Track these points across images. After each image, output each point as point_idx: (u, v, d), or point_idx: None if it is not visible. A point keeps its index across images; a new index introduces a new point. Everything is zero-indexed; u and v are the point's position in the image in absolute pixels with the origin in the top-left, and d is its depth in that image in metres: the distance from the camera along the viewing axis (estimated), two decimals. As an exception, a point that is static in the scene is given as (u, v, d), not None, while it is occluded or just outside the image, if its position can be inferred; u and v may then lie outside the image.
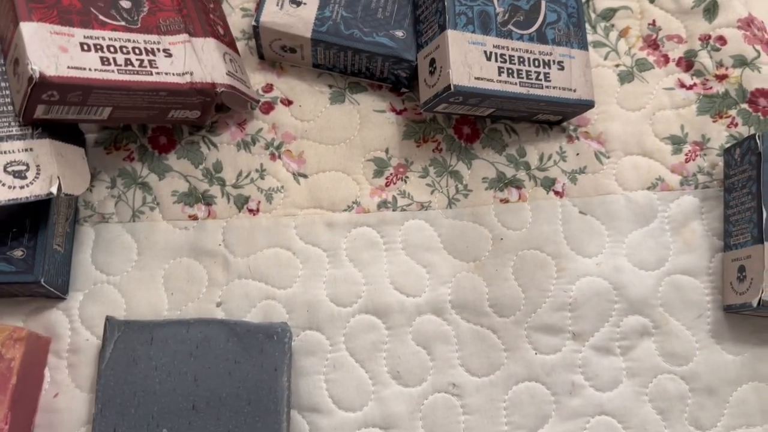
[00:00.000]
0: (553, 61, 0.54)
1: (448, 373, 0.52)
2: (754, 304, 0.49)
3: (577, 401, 0.51)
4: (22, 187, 0.45)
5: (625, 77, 0.59)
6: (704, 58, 0.59)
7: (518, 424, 0.51)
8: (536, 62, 0.53)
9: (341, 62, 0.56)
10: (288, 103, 0.57)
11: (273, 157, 0.56)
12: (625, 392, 0.52)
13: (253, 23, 0.54)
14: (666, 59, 0.60)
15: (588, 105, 0.55)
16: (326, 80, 0.58)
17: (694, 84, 0.59)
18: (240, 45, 0.59)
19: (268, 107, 0.57)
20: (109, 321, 0.48)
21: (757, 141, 0.52)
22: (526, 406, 0.51)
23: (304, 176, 0.56)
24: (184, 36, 0.51)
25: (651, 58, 0.60)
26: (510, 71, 0.52)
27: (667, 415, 0.51)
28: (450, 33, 0.50)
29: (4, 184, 0.45)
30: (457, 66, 0.50)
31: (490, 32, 0.52)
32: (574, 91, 0.54)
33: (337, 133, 0.57)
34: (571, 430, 0.51)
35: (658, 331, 0.53)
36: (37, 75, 0.43)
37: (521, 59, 0.52)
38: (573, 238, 0.55)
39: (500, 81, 0.51)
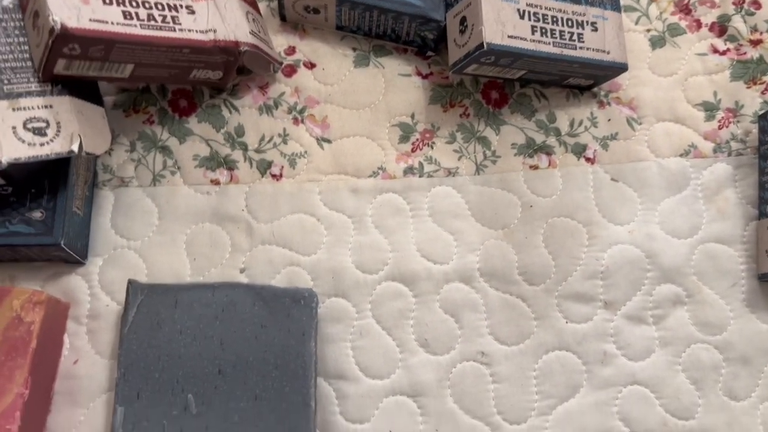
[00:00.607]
0: (587, 21, 0.52)
1: (477, 342, 0.50)
2: (793, 271, 0.48)
3: (608, 371, 0.50)
4: (42, 145, 0.44)
5: (657, 42, 0.58)
6: (738, 23, 0.58)
7: (549, 393, 0.49)
8: (570, 22, 0.51)
9: (365, 23, 0.55)
10: (311, 66, 0.56)
11: (296, 121, 0.55)
12: (657, 362, 0.50)
13: (277, -18, 0.52)
14: (698, 24, 0.58)
15: (621, 68, 0.53)
16: (350, 43, 0.57)
17: (728, 49, 0.57)
18: (261, 6, 0.57)
19: (290, 70, 0.56)
20: (132, 284, 0.47)
21: (797, 104, 0.50)
22: (556, 375, 0.50)
23: (328, 141, 0.54)
24: (206, -7, 0.50)
25: (683, 23, 0.58)
26: (543, 30, 0.50)
27: (701, 384, 0.50)
28: (482, -10, 0.49)
29: (23, 141, 0.43)
30: (489, 23, 0.48)
31: (523, -10, 0.50)
32: (608, 53, 0.52)
33: (362, 97, 0.55)
34: (603, 399, 0.49)
35: (692, 300, 0.52)
36: (59, 26, 0.42)
37: (554, 19, 0.51)
38: (604, 205, 0.53)
39: (533, 40, 0.50)
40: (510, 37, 0.49)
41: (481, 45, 0.48)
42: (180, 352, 0.45)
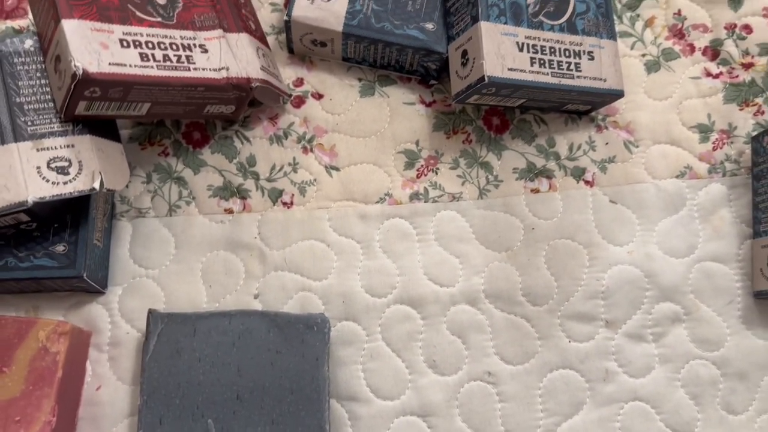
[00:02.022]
0: (584, 51, 0.54)
1: (484, 362, 0.52)
2: (787, 290, 0.50)
3: (610, 388, 0.52)
4: (65, 183, 0.46)
5: (652, 66, 0.60)
6: (730, 47, 0.60)
7: (553, 410, 0.51)
8: (567, 52, 0.54)
9: (371, 55, 0.57)
10: (319, 96, 0.58)
11: (305, 150, 0.57)
12: (658, 378, 0.52)
13: (285, 17, 0.54)
14: (692, 48, 0.60)
15: (618, 94, 0.55)
16: (356, 73, 0.59)
17: (720, 73, 0.59)
18: (270, 39, 0.59)
19: (299, 101, 0.58)
20: (152, 314, 0.49)
21: (787, 128, 0.52)
22: (560, 393, 0.52)
23: (336, 169, 0.56)
24: (218, 31, 0.52)
25: (677, 48, 0.60)
26: (542, 62, 0.52)
27: (700, 399, 0.52)
28: (483, 24, 0.51)
29: (47, 180, 0.46)
30: (490, 57, 0.50)
31: (522, 23, 0.52)
32: (605, 80, 0.55)
33: (368, 126, 0.57)
34: (606, 416, 0.51)
35: (690, 317, 0.54)
36: (81, 71, 0.44)
37: (552, 50, 0.53)
38: (604, 226, 0.55)
39: (532, 71, 0.52)
40: (510, 69, 0.51)
41: (483, 78, 0.50)
42: (199, 378, 0.47)
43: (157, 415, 0.47)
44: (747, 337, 0.53)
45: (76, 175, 0.46)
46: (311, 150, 0.57)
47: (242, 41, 0.53)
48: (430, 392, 0.51)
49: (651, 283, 0.54)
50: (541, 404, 0.52)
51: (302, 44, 0.57)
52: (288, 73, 0.58)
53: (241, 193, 0.55)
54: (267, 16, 0.60)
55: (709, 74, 0.59)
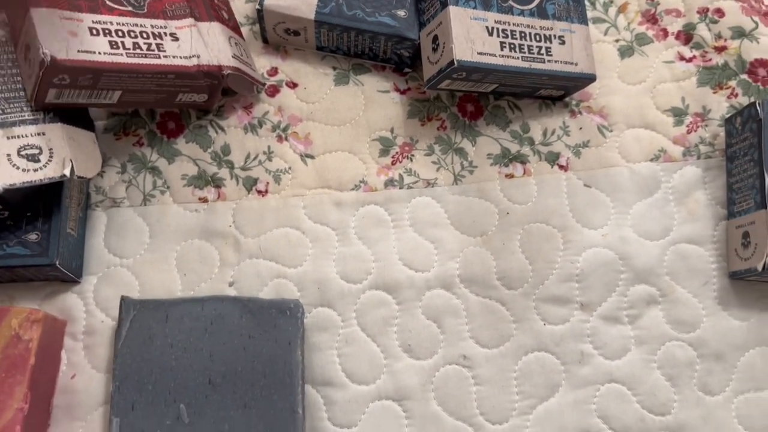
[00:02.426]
0: (554, 35, 0.54)
1: (459, 346, 0.52)
2: (759, 268, 0.50)
3: (586, 370, 0.52)
4: (35, 170, 0.46)
5: (625, 52, 0.60)
6: (703, 31, 0.60)
7: (529, 393, 0.51)
8: (537, 37, 0.54)
9: (344, 44, 0.57)
10: (293, 85, 0.58)
11: (280, 139, 0.57)
12: (633, 360, 0.52)
13: (257, 6, 0.55)
14: (665, 33, 0.61)
15: (590, 78, 0.55)
16: (330, 62, 0.59)
17: (694, 56, 0.60)
18: (244, 30, 0.59)
19: (273, 90, 0.58)
20: (125, 300, 0.49)
21: (758, 108, 0.52)
22: (536, 375, 0.52)
23: (311, 157, 0.57)
24: (189, 20, 0.52)
25: (650, 33, 0.61)
26: (512, 46, 0.53)
27: (676, 381, 0.52)
28: (452, 9, 0.51)
29: (18, 168, 0.46)
30: (460, 41, 0.51)
31: (492, 8, 0.52)
32: (576, 64, 0.55)
33: (343, 114, 0.58)
34: (582, 398, 0.51)
35: (665, 299, 0.54)
36: (49, 58, 0.44)
37: (522, 34, 0.53)
38: (578, 210, 0.55)
39: (503, 55, 0.52)
40: (480, 53, 0.51)
41: (452, 62, 0.50)
42: (172, 364, 0.47)
43: (130, 400, 0.47)
44: (723, 318, 0.53)
45: (46, 163, 0.47)
46: (286, 138, 0.57)
47: (214, 30, 0.53)
48: (405, 376, 0.51)
49: (626, 265, 0.54)
50: (516, 387, 0.52)
51: (276, 33, 0.57)
52: (262, 63, 0.59)
53: (216, 182, 0.55)
54: (241, 6, 0.60)
55: (682, 58, 0.60)
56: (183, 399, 0.47)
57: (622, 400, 0.51)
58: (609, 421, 0.51)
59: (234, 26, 0.57)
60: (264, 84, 0.58)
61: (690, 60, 0.60)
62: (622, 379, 0.52)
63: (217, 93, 0.54)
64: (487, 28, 0.52)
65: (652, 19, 0.61)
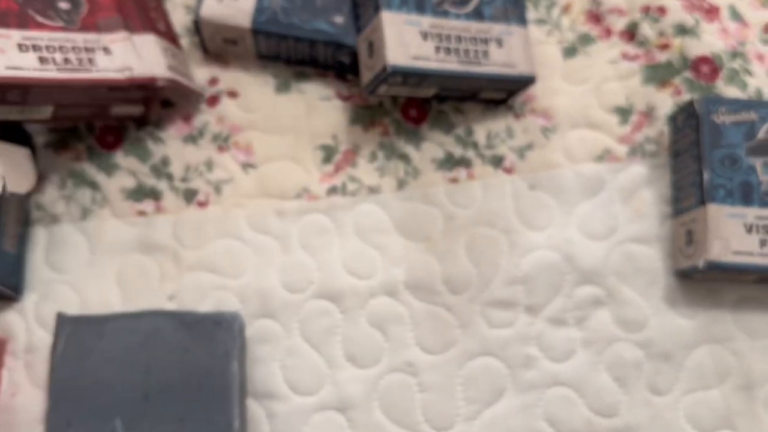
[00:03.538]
0: (491, 38, 0.54)
1: (404, 353, 0.52)
2: (701, 265, 0.49)
3: (532, 373, 0.51)
4: (-37, 188, 0.46)
5: (569, 52, 0.60)
6: (645, 29, 0.60)
7: (474, 398, 0.51)
8: (474, 40, 0.54)
9: (284, 52, 0.57)
10: (233, 95, 0.58)
11: (221, 149, 0.56)
12: (580, 362, 0.52)
13: (194, 18, 0.54)
14: (609, 32, 0.60)
15: (529, 80, 0.55)
16: (271, 71, 0.59)
17: (638, 55, 0.59)
18: (185, 41, 0.59)
19: (213, 100, 0.58)
20: (60, 317, 0.48)
21: (695, 105, 0.52)
22: (481, 381, 0.51)
23: (253, 167, 0.56)
24: (123, 34, 0.52)
25: (594, 32, 0.60)
26: (447, 50, 0.52)
27: (624, 381, 0.51)
28: (385, 14, 0.51)
29: (-55, 186, 0.45)
30: (393, 46, 0.50)
31: (426, 12, 0.52)
32: (514, 66, 0.55)
33: (285, 122, 0.57)
34: (527, 402, 0.51)
35: (612, 299, 0.53)
36: (-29, 75, 0.44)
37: (458, 38, 0.53)
38: (523, 213, 0.55)
39: (438, 59, 0.52)
40: (414, 57, 0.51)
41: (385, 67, 0.50)
42: (108, 379, 0.47)
43: (65, 418, 0.46)
44: (670, 317, 0.53)
45: (-25, 180, 0.46)
46: (227, 149, 0.57)
47: (148, 42, 0.53)
48: (348, 386, 0.51)
49: (570, 266, 0.54)
50: (461, 392, 0.51)
51: (215, 43, 0.57)
52: (203, 73, 0.58)
53: (155, 195, 0.55)
54: (182, 17, 0.60)
55: (626, 57, 0.60)
56: (119, 414, 0.46)
57: (568, 403, 0.51)
58: (555, 425, 0.50)
59: (171, 38, 0.56)
60: (203, 94, 0.57)
61: (634, 58, 0.59)
62: (569, 381, 0.51)
63: (153, 105, 0.54)
64: (421, 32, 0.52)
65: (595, 18, 0.61)
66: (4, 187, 0.47)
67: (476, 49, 0.53)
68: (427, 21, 0.52)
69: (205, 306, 0.52)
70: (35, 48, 0.48)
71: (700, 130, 0.51)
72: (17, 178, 0.48)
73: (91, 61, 0.50)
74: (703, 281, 0.54)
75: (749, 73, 0.58)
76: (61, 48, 0.49)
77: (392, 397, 0.51)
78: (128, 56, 0.51)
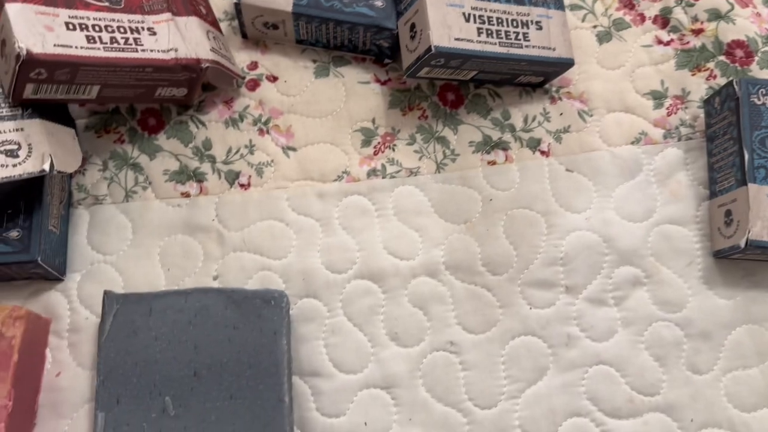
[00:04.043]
0: (531, 21, 0.55)
1: (446, 332, 0.52)
2: (742, 245, 0.50)
3: (573, 352, 0.52)
4: (14, 165, 0.46)
5: (604, 37, 0.60)
6: (679, 14, 0.60)
7: (517, 377, 0.51)
8: (514, 23, 0.54)
9: (323, 36, 0.57)
10: (273, 79, 0.58)
11: (261, 132, 0.57)
12: (621, 341, 0.52)
13: (235, 1, 0.55)
14: (642, 18, 0.61)
15: (568, 63, 0.56)
16: (310, 55, 0.59)
17: (671, 40, 0.60)
18: (223, 25, 0.59)
19: (253, 84, 0.58)
20: (107, 295, 0.49)
21: (735, 87, 0.53)
22: (523, 359, 0.52)
23: (293, 149, 0.57)
24: (167, 15, 0.52)
25: (627, 18, 0.61)
26: (489, 32, 0.53)
27: (664, 361, 0.52)
28: (428, -4, 0.51)
29: (-3, 163, 0.46)
30: (436, 27, 0.51)
31: (468, -5, 0.53)
32: (554, 49, 0.55)
33: (324, 106, 0.58)
34: (570, 380, 0.51)
35: (650, 280, 0.54)
36: (24, 52, 0.44)
37: (499, 20, 0.53)
38: (561, 195, 0.56)
39: (480, 41, 0.52)
40: (457, 39, 0.51)
41: (430, 48, 0.50)
42: (156, 357, 0.47)
43: (114, 394, 0.47)
44: (709, 297, 0.53)
45: (25, 158, 0.47)
46: (267, 132, 0.57)
47: (191, 24, 0.53)
48: (392, 364, 0.51)
49: (610, 247, 0.54)
50: (504, 371, 0.51)
51: (255, 28, 0.58)
52: (242, 58, 0.59)
53: (198, 177, 0.55)
54: (220, 2, 0.60)
55: (660, 42, 0.60)
56: (168, 392, 0.47)
57: (610, 381, 0.51)
58: (598, 403, 0.51)
59: (212, 21, 0.57)
60: (244, 78, 0.58)
61: (668, 43, 0.60)
62: (610, 360, 0.52)
63: (196, 88, 0.54)
64: (463, 14, 0.52)
65: (629, 4, 0.61)
66: (51, 166, 0.47)
67: (516, 32, 0.54)
68: (469, 3, 0.53)
69: (249, 286, 0.52)
70: (82, 27, 0.48)
71: (740, 111, 0.52)
72: (64, 158, 0.49)
73: (137, 41, 0.50)
74: (740, 262, 0.54)
75: (782, 57, 0.59)
76: (107, 27, 0.49)
77: (435, 376, 0.51)
78: (173, 37, 0.51)
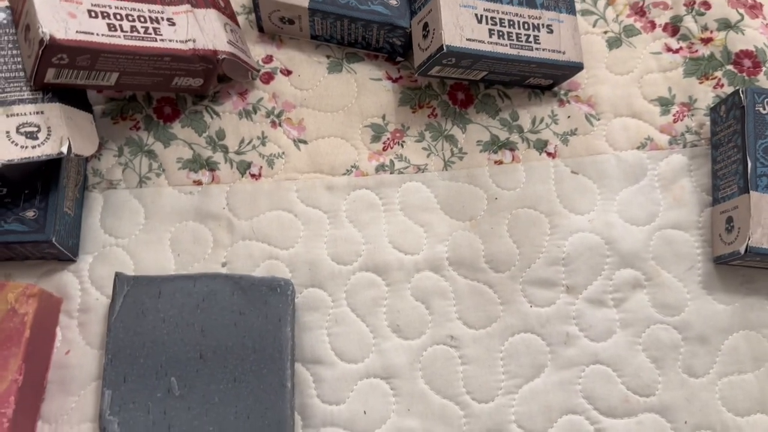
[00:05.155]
0: (542, 24, 0.56)
1: (446, 326, 0.53)
2: (742, 251, 0.51)
3: (571, 351, 0.53)
4: (34, 147, 0.47)
5: (614, 43, 0.61)
6: (689, 23, 0.61)
7: (515, 373, 0.52)
8: (526, 25, 0.55)
9: (338, 32, 0.58)
10: (287, 73, 0.60)
11: (274, 124, 0.58)
12: (618, 342, 0.53)
13: (253, -5, 0.56)
14: (653, 25, 0.62)
15: (577, 67, 0.56)
16: (324, 51, 0.60)
17: (681, 48, 0.61)
18: (240, 19, 0.61)
19: (268, 77, 0.59)
20: (119, 276, 0.50)
21: (741, 95, 0.53)
22: (522, 356, 0.53)
23: (304, 142, 0.58)
24: (186, 6, 0.54)
25: (638, 25, 0.62)
26: (500, 33, 0.54)
27: (661, 363, 0.53)
28: (441, -3, 0.52)
29: (16, 144, 0.47)
30: (449, 27, 0.52)
31: (480, -4, 0.54)
32: (564, 53, 0.56)
33: (336, 101, 0.59)
34: (567, 378, 0.52)
35: (650, 283, 0.54)
36: (48, 38, 0.46)
37: (511, 22, 0.54)
38: (565, 196, 0.56)
39: (491, 42, 0.53)
40: (468, 39, 0.52)
41: (442, 47, 0.52)
42: (163, 338, 0.48)
43: (122, 373, 0.48)
44: (707, 302, 0.54)
45: (44, 140, 0.48)
46: (280, 124, 0.58)
47: (210, 16, 0.55)
48: (393, 355, 0.52)
49: (611, 249, 0.55)
50: (502, 367, 0.52)
51: (271, 22, 0.59)
52: (258, 51, 0.60)
53: (210, 166, 0.57)
54: (238, -3, 0.62)
55: (669, 49, 0.61)
56: (174, 372, 0.48)
57: (607, 381, 0.52)
58: (594, 402, 0.52)
59: (230, 14, 0.58)
60: (259, 70, 0.59)
61: (677, 51, 0.61)
62: (607, 360, 0.53)
63: (212, 78, 0.56)
64: (476, 15, 0.53)
65: (640, 11, 0.62)
66: (69, 149, 0.48)
67: (528, 34, 0.55)
68: (481, 4, 0.54)
69: (256, 274, 0.54)
70: (104, 15, 0.50)
71: (745, 119, 0.53)
72: (82, 142, 0.50)
73: (156, 30, 0.51)
74: (740, 268, 0.55)
75: (790, 69, 0.60)
76: (127, 16, 0.51)
77: (435, 368, 0.52)
78: (192, 29, 0.53)
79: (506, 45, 0.54)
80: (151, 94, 0.58)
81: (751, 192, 0.51)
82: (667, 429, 0.51)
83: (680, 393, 0.52)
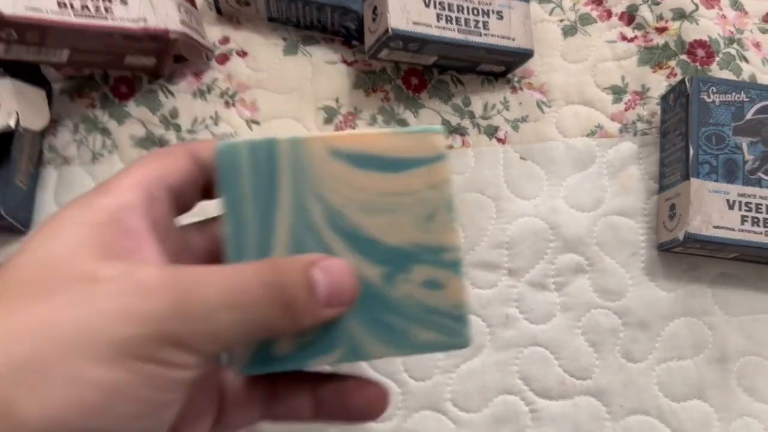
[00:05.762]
0: (492, 10, 0.56)
1: (389, 306, 0.54)
2: (681, 238, 0.51)
3: (510, 332, 0.53)
4: (-19, 120, 0.49)
5: (569, 31, 0.62)
6: (645, 12, 0.61)
7: (453, 353, 0.53)
8: (475, 11, 0.56)
9: (294, 15, 0.59)
10: (243, 54, 0.60)
11: (227, 104, 0.59)
12: (558, 325, 0.54)
13: (208, -23, 0.57)
14: (609, 14, 0.62)
15: (527, 54, 0.57)
16: (281, 33, 0.61)
17: (636, 36, 0.61)
18: (199, 1, 0.62)
19: (224, 58, 0.60)
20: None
21: (686, 84, 0.54)
22: (462, 337, 0.53)
23: (257, 123, 0.59)
24: (140, -14, 0.55)
25: (594, 13, 0.62)
26: (449, 18, 0.54)
27: (599, 347, 0.53)
28: (388, -20, 0.53)
29: (-36, 117, 0.48)
30: (395, 11, 0.52)
31: (429, -19, 0.54)
32: (513, 39, 0.56)
33: (290, 83, 0.60)
34: (504, 359, 0.53)
35: (593, 268, 0.55)
36: (-6, 13, 0.47)
37: (460, 7, 0.55)
38: (513, 182, 0.57)
39: (438, 27, 0.54)
40: (415, 23, 0.53)
41: (387, 30, 0.52)
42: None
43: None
44: (649, 288, 0.55)
45: (-8, 114, 0.49)
46: (233, 104, 0.59)
47: (163, -4, 0.55)
48: (334, 333, 0.53)
49: (555, 234, 0.55)
50: (441, 347, 0.53)
51: (228, 4, 0.60)
52: (215, 32, 0.61)
53: (162, 144, 0.58)
54: (198, -21, 0.62)
55: (624, 38, 0.61)
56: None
57: (544, 362, 0.53)
58: (529, 383, 0.52)
59: (187, -5, 0.59)
60: (213, 51, 0.60)
61: (632, 40, 0.61)
62: (546, 343, 0.53)
63: (166, 58, 0.57)
64: (423, 0, 0.54)
65: (597, 0, 0.63)
66: (17, 122, 0.49)
67: (477, 20, 0.55)
68: (429, -11, 0.54)
69: (202, 250, 0.55)
70: (55, -7, 0.51)
71: (689, 107, 0.53)
72: (31, 116, 0.51)
73: (107, 9, 0.52)
74: (684, 256, 0.55)
75: (745, 59, 0.60)
76: (80, -5, 0.52)
77: (375, 347, 0.53)
78: (144, 8, 0.54)
79: (454, 30, 0.54)
80: (109, 73, 0.59)
81: (691, 179, 0.52)
82: (602, 412, 0.52)
83: (617, 377, 0.53)
